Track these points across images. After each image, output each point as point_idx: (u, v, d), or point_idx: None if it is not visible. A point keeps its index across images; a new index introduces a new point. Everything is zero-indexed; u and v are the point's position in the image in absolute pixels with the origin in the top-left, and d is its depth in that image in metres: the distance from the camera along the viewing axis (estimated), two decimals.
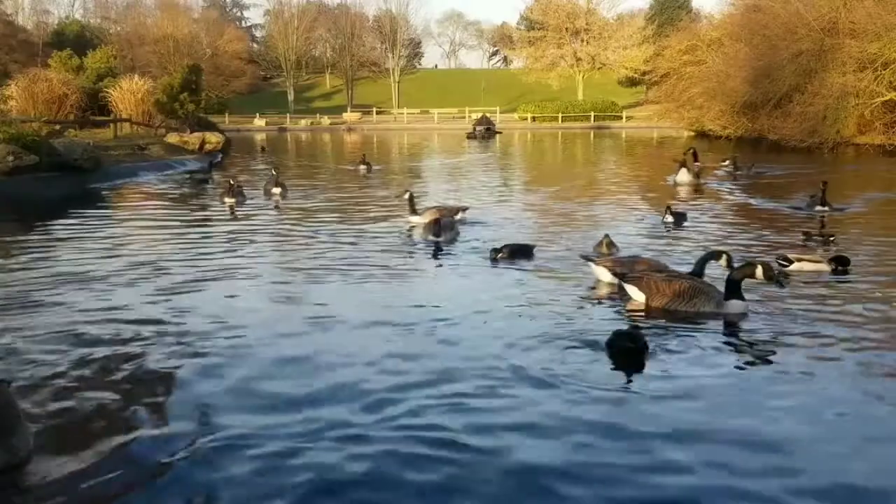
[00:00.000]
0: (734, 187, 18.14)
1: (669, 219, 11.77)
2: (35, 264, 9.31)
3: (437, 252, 9.90)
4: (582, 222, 12.72)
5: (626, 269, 7.58)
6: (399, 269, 8.94)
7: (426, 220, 11.27)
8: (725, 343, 6.12)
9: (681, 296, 6.88)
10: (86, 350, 5.82)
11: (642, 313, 6.92)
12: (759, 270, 6.86)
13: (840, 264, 8.40)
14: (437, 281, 8.61)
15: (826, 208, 13.07)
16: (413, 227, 11.67)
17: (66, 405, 4.79)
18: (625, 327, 6.09)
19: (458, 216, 11.87)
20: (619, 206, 14.75)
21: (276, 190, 15.93)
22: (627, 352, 5.57)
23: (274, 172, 17.38)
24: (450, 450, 4.14)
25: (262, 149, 35.97)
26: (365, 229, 11.84)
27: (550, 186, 19.18)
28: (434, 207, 12.21)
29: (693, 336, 6.18)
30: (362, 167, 22.42)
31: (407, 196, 12.26)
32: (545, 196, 16.98)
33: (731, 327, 6.50)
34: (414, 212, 12.01)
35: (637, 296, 7.10)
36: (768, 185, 18.93)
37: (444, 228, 10.55)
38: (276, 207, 14.65)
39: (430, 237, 10.50)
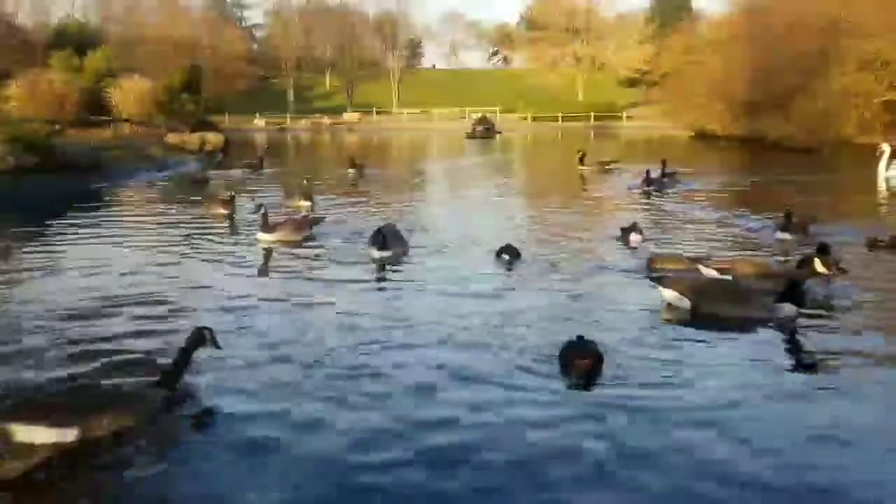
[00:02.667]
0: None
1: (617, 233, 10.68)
2: (34, 265, 9.31)
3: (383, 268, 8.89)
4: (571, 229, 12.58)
5: (736, 271, 7.48)
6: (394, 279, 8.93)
7: (280, 237, 10.44)
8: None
9: (726, 299, 6.63)
10: (85, 351, 5.82)
11: (686, 317, 6.65)
12: (817, 264, 6.76)
13: (822, 252, 7.75)
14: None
15: (791, 236, 10.51)
16: (263, 244, 10.49)
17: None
18: (577, 338, 5.53)
19: (314, 229, 11.03)
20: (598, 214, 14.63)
21: (305, 203, 14.39)
22: (581, 365, 5.20)
23: (304, 182, 16.30)
24: None
25: (266, 150, 34.08)
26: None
27: (542, 190, 19.08)
28: (288, 221, 11.06)
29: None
30: (351, 171, 21.58)
31: (262, 211, 10.78)
32: (536, 200, 16.91)
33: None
34: (265, 228, 10.65)
35: (681, 301, 6.76)
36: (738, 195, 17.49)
37: (391, 240, 9.43)
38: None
39: (376, 254, 9.27)
